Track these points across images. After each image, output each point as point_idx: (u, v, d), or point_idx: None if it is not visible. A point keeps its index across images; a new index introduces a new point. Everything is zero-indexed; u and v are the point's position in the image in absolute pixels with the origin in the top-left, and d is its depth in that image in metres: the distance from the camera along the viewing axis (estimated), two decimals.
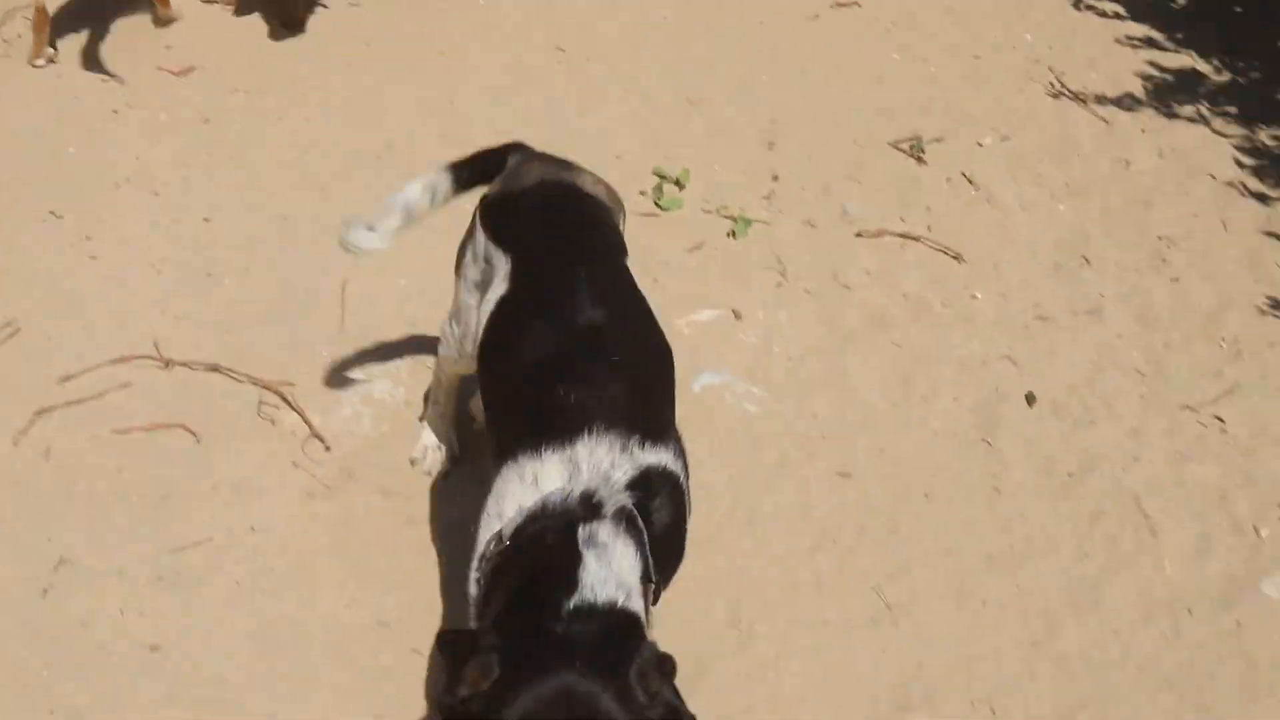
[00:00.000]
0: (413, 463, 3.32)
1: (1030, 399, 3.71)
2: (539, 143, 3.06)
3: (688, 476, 2.54)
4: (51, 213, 3.80)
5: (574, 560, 2.24)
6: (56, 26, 4.23)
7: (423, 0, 4.66)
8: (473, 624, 2.41)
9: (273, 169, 4.03)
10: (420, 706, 2.95)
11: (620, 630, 2.18)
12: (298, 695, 2.95)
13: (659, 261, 3.87)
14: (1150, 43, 5.03)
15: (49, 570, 3.06)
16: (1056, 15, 5.08)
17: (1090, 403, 3.74)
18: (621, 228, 2.94)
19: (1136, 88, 4.79)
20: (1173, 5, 5.22)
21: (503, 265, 2.74)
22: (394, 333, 3.59)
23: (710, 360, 3.69)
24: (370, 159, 4.08)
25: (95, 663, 2.94)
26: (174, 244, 3.77)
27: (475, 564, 2.42)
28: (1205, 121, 4.69)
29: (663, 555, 2.39)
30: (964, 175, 4.35)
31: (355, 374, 3.50)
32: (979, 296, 3.98)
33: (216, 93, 4.23)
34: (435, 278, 3.36)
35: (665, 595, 2.48)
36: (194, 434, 3.34)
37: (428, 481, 3.31)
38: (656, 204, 4.08)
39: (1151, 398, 3.78)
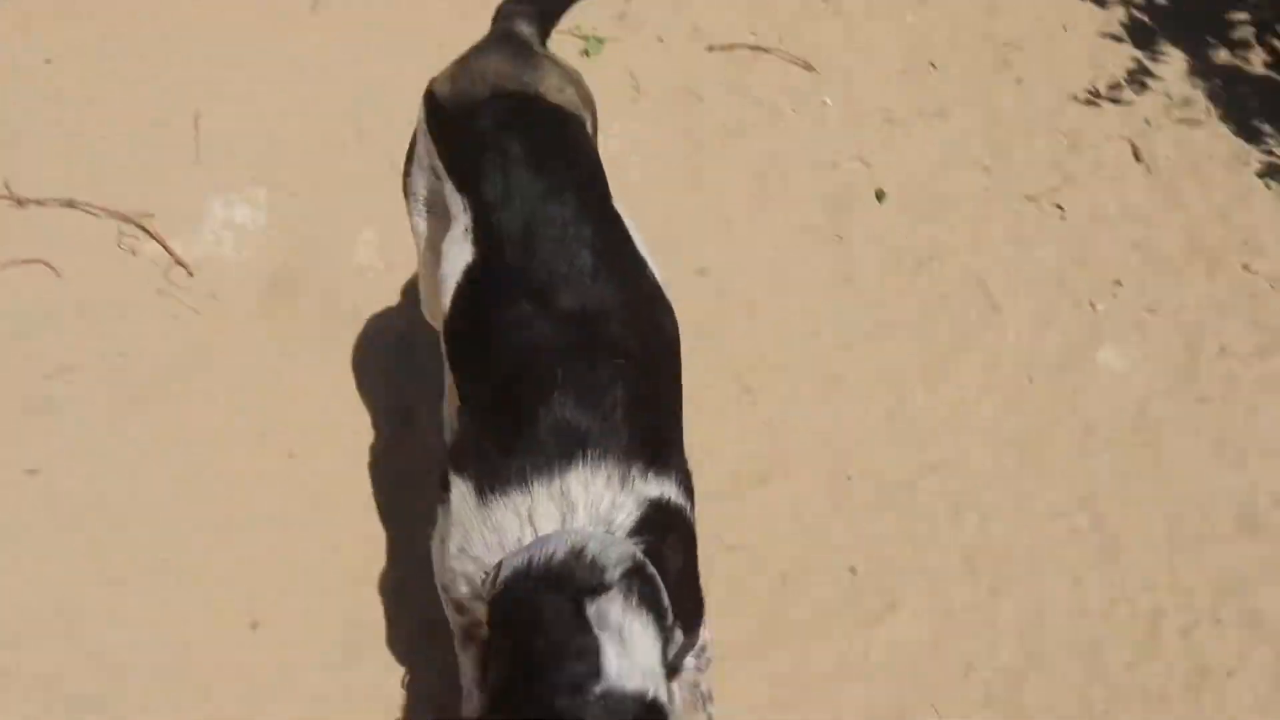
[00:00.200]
0: None
1: (880, 195, 3.85)
2: None
3: (693, 506, 2.21)
4: None
5: (590, 646, 1.94)
6: None
7: None
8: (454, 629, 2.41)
9: None
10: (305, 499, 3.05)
11: None
12: (181, 507, 3.02)
13: None
14: None
15: None
16: None
17: (937, 196, 3.89)
18: (594, 133, 2.58)
19: None
20: None
21: (460, 210, 2.38)
22: (251, 154, 3.58)
23: None
24: None
25: None
26: (17, 83, 3.69)
27: (460, 581, 2.20)
28: None
29: (678, 609, 2.08)
30: None
31: (214, 200, 3.51)
32: (829, 102, 4.08)
33: None
34: (294, 91, 3.36)
35: None
36: (54, 269, 3.33)
37: (293, 301, 3.36)
38: None
39: (995, 190, 3.94)
